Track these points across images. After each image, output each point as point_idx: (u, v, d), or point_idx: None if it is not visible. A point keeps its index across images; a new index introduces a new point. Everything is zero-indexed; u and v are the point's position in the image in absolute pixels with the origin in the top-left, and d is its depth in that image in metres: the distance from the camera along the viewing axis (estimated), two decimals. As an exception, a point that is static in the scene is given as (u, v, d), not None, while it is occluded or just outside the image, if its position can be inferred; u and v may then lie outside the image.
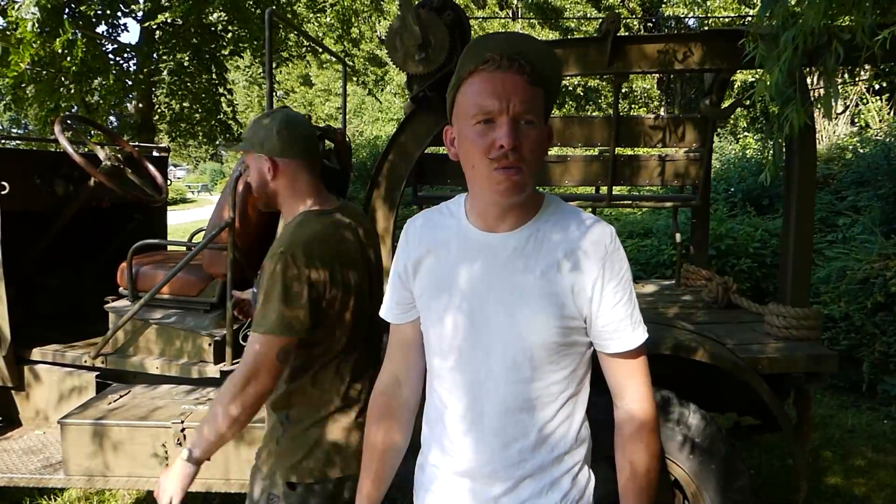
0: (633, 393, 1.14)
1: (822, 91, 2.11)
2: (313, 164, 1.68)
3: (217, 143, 10.45)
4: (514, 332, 1.10)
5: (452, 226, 1.18)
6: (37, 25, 5.28)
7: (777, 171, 2.36)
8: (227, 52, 9.30)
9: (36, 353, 2.76)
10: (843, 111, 10.65)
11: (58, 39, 5.79)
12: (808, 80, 2.12)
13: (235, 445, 2.37)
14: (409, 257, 1.22)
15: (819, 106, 1.97)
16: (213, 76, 9.24)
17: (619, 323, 1.11)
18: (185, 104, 9.35)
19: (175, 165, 34.88)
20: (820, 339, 2.53)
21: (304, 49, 10.97)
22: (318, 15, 10.89)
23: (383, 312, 1.30)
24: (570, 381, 1.14)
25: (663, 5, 15.54)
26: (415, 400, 1.30)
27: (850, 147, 8.62)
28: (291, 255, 1.50)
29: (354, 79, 14.35)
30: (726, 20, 13.11)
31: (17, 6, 5.15)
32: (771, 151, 2.30)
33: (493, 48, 1.05)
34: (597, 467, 1.28)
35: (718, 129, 10.87)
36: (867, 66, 8.59)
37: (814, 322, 2.50)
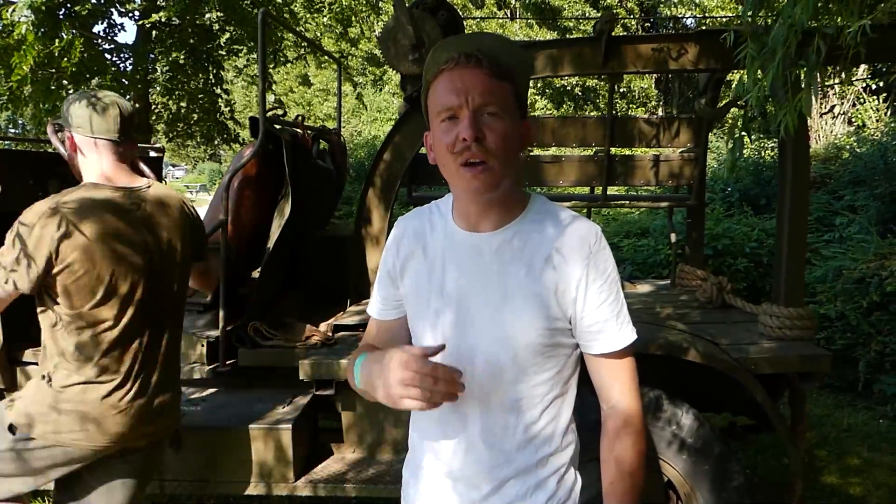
0: (619, 394, 1.13)
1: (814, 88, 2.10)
2: (116, 143, 1.74)
3: (216, 142, 10.43)
4: (499, 333, 1.09)
5: (439, 225, 1.18)
6: (31, 28, 5.25)
7: (734, 165, 2.36)
8: (223, 52, 9.26)
9: (28, 354, 2.75)
10: (834, 107, 10.65)
11: (57, 41, 5.75)
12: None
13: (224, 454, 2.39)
14: (398, 256, 1.22)
15: (799, 102, 1.96)
16: (211, 76, 9.21)
17: (604, 323, 1.10)
18: (182, 104, 9.32)
19: (174, 165, 34.75)
20: (815, 339, 2.53)
21: (302, 49, 10.94)
22: (316, 15, 10.84)
23: (370, 309, 1.29)
24: (556, 382, 1.14)
25: (661, 5, 15.53)
26: None
27: (847, 147, 8.62)
28: (37, 212, 1.59)
29: (353, 78, 14.33)
30: (724, 20, 13.11)
31: (10, 9, 5.12)
32: (732, 145, 2.30)
33: (453, 48, 1.07)
34: (588, 469, 1.27)
35: (715, 129, 10.86)
36: (864, 66, 8.60)
37: (808, 322, 2.50)
